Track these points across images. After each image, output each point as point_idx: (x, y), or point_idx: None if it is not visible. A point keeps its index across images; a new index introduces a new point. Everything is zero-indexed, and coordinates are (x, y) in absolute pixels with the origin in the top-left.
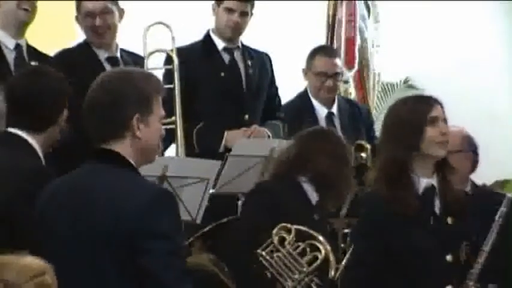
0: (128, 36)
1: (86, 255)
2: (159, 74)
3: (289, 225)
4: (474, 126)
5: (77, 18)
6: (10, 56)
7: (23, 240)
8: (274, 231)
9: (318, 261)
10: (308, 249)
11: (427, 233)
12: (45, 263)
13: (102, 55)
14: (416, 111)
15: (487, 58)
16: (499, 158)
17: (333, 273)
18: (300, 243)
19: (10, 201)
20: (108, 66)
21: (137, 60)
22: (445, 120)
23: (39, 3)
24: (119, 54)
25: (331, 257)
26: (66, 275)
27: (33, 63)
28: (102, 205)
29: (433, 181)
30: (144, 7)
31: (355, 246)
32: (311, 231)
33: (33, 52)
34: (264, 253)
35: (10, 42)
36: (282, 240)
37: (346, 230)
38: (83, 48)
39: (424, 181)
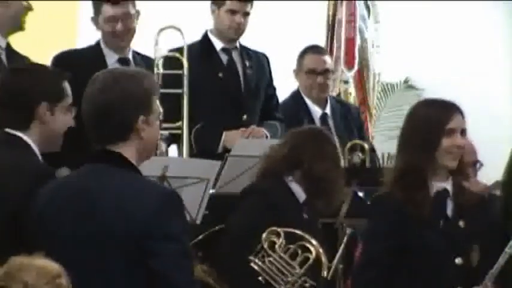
0: (137, 39)
1: (91, 256)
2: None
3: (278, 229)
4: (474, 126)
5: (93, 19)
6: (3, 55)
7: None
8: (264, 236)
9: (309, 262)
10: (299, 251)
11: (436, 235)
12: (59, 265)
13: (113, 57)
14: (435, 121)
15: (487, 58)
16: (499, 158)
17: (325, 272)
18: (290, 246)
19: (17, 201)
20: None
21: (150, 63)
22: (463, 131)
23: (39, 3)
24: (130, 56)
25: (323, 256)
26: (72, 276)
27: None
28: (108, 207)
29: (447, 185)
30: (154, 9)
31: (368, 246)
32: (300, 233)
33: (15, 52)
34: (256, 259)
35: (2, 42)
36: (272, 245)
37: (347, 230)
38: (92, 50)
39: (437, 185)
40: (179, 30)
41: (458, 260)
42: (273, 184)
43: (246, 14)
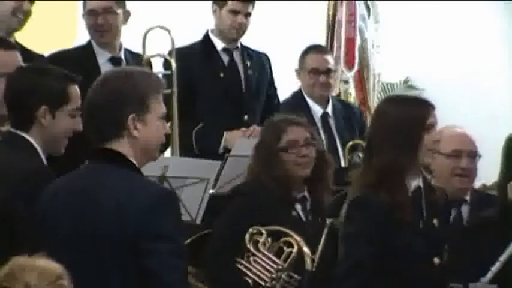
0: (127, 39)
1: (88, 255)
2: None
3: (260, 228)
4: (474, 126)
5: (83, 16)
6: None
7: (21, 241)
8: (247, 236)
9: (291, 256)
10: (285, 247)
11: (418, 237)
12: (60, 266)
13: (104, 56)
14: (416, 117)
15: (487, 58)
16: (499, 158)
17: (309, 265)
18: (275, 243)
19: (6, 202)
20: (109, 67)
21: (140, 60)
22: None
23: (39, 3)
24: (122, 55)
25: (305, 249)
26: (70, 275)
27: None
28: (104, 206)
29: (419, 182)
30: (143, 10)
31: (352, 249)
32: (283, 229)
33: (23, 51)
34: (242, 260)
35: None
36: (256, 244)
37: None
38: (83, 49)
39: (413, 184)
40: (167, 30)
41: (436, 260)
42: (257, 184)
43: (248, 15)
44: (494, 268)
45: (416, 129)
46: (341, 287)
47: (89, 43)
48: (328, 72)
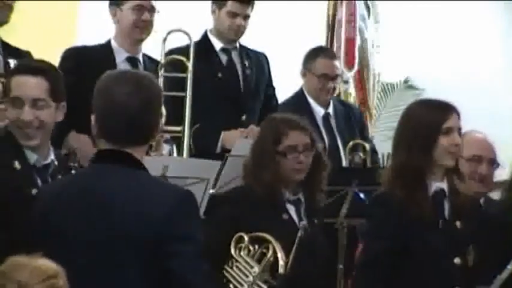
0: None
1: (104, 256)
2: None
3: (242, 234)
4: (474, 126)
5: (112, 9)
6: None
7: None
8: (232, 243)
9: (266, 260)
10: (268, 252)
11: (437, 236)
12: (57, 266)
13: (122, 55)
14: (433, 119)
15: (487, 58)
16: (499, 159)
17: (281, 269)
18: (258, 249)
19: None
20: (126, 66)
21: (157, 66)
22: (459, 130)
23: (41, 3)
24: (141, 57)
25: (279, 253)
26: (77, 275)
27: (10, 60)
28: (123, 206)
29: (443, 185)
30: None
31: (368, 246)
32: (263, 234)
33: (9, 48)
34: (227, 267)
35: None
36: (240, 250)
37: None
38: (103, 48)
39: (434, 185)
40: (187, 33)
41: (456, 260)
42: (244, 189)
43: (247, 17)
44: (503, 275)
45: (431, 131)
46: (357, 282)
47: (108, 42)
48: (336, 77)
